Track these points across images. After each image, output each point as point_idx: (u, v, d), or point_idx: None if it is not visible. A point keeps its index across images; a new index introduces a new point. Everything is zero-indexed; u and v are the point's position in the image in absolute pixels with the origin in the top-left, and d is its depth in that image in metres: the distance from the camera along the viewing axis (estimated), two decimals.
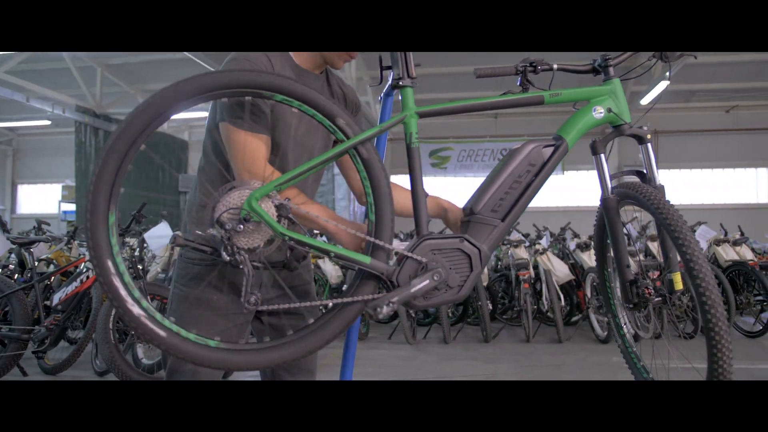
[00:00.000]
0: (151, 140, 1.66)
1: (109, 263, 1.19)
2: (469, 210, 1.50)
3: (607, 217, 1.62)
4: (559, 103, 1.59)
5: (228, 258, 1.26)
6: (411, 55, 1.46)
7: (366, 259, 1.34)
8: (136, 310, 1.20)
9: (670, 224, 1.42)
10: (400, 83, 1.44)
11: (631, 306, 1.63)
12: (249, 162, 1.45)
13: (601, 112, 1.59)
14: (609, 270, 1.90)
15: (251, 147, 1.47)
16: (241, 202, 1.27)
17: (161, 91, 1.24)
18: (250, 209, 1.26)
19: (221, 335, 1.43)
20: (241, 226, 1.25)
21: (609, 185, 1.62)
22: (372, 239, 1.35)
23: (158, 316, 1.23)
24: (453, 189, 13.21)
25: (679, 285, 1.59)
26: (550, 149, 1.55)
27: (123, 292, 1.20)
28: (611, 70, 1.62)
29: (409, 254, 1.37)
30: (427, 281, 1.35)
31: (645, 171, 1.64)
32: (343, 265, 1.39)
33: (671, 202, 1.47)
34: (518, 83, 1.63)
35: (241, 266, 1.27)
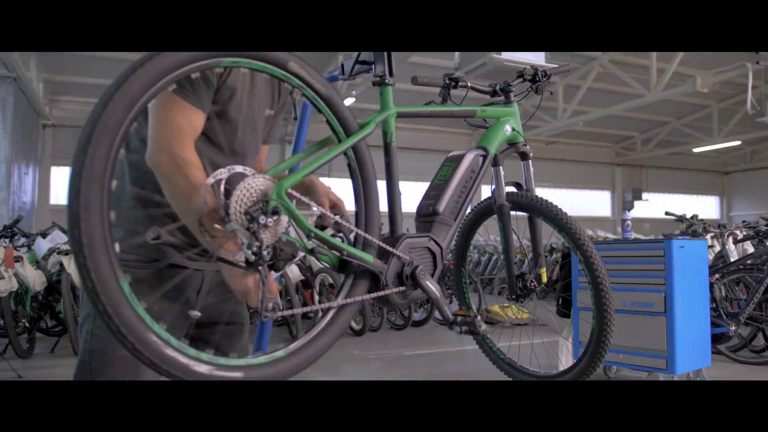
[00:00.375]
0: None
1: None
2: (432, 211, 1.56)
3: (501, 221, 1.85)
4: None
5: (252, 258, 1.10)
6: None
7: (370, 258, 1.31)
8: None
9: (570, 228, 1.73)
10: (386, 81, 1.44)
11: (514, 297, 1.90)
12: (177, 138, 1.26)
13: (508, 130, 1.82)
14: (465, 268, 2.16)
15: (187, 122, 1.28)
16: (264, 192, 1.13)
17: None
18: (280, 199, 1.12)
19: None
20: (271, 220, 1.11)
21: (503, 193, 1.86)
22: (368, 236, 1.33)
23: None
24: None
25: (545, 278, 1.92)
26: (481, 158, 1.72)
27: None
28: (511, 95, 1.86)
29: (398, 253, 1.38)
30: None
31: (523, 184, 1.92)
32: (350, 262, 1.32)
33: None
34: (439, 94, 1.76)
35: (259, 267, 1.12)
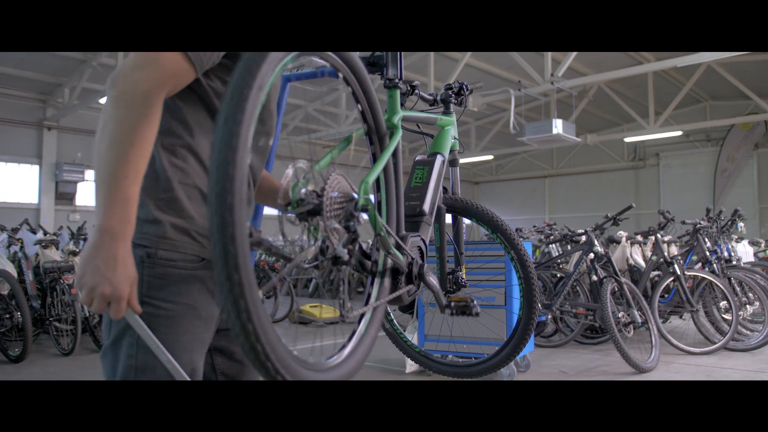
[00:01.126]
0: None
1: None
2: (419, 212, 1.64)
3: (438, 221, 1.99)
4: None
5: (347, 257, 1.07)
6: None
7: (401, 257, 1.35)
8: None
9: (505, 230, 1.93)
10: (399, 84, 1.47)
11: (445, 292, 2.04)
12: (157, 78, 1.06)
13: (452, 138, 1.95)
14: None
15: (179, 70, 1.10)
16: (345, 189, 1.11)
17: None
18: (365, 195, 1.12)
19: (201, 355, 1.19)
20: (362, 218, 1.10)
21: (459, 191, 1.99)
22: (394, 236, 1.37)
23: None
24: None
25: (464, 275, 2.11)
26: (442, 163, 1.81)
27: None
28: (451, 105, 1.97)
29: (410, 253, 1.43)
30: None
31: (450, 188, 2.02)
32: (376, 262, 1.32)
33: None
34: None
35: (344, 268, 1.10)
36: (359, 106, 1.26)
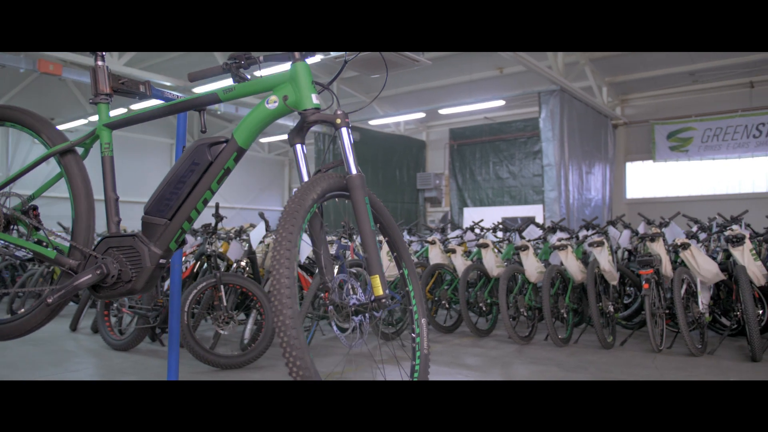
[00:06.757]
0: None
1: None
2: (144, 210, 1.56)
3: None
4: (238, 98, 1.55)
5: None
6: None
7: (52, 254, 1.56)
8: None
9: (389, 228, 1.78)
10: None
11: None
12: None
13: (275, 102, 1.49)
14: None
15: None
16: None
17: None
18: None
19: None
20: None
21: (304, 175, 1.59)
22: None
23: None
24: (696, 173, 12.26)
25: None
26: (220, 147, 1.52)
27: None
28: (297, 53, 1.50)
29: (90, 252, 1.52)
30: (89, 275, 1.49)
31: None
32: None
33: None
34: (233, 80, 1.56)
35: None
36: None
